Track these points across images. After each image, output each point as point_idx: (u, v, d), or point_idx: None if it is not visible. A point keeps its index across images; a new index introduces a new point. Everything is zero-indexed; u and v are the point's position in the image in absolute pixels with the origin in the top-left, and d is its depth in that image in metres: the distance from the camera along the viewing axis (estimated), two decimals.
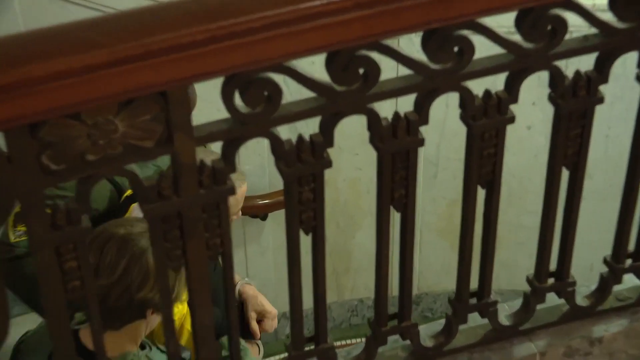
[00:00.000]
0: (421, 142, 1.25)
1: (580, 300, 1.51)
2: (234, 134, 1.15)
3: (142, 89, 1.03)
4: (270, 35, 1.05)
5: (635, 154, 1.43)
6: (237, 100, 1.12)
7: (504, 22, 1.25)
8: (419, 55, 1.19)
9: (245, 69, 1.08)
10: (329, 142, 1.21)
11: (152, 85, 1.03)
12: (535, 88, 2.89)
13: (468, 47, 1.17)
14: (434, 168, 3.71)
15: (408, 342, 1.44)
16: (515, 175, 3.75)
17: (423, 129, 1.25)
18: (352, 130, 3.59)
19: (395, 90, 1.21)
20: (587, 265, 3.69)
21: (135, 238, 1.88)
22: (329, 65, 1.14)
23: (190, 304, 1.27)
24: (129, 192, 2.55)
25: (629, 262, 1.49)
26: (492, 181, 1.35)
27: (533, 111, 3.51)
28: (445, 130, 3.54)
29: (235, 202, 2.38)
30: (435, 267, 3.92)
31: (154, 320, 1.97)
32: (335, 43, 1.10)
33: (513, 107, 1.29)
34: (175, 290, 1.88)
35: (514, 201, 3.82)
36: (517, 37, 1.22)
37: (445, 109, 3.36)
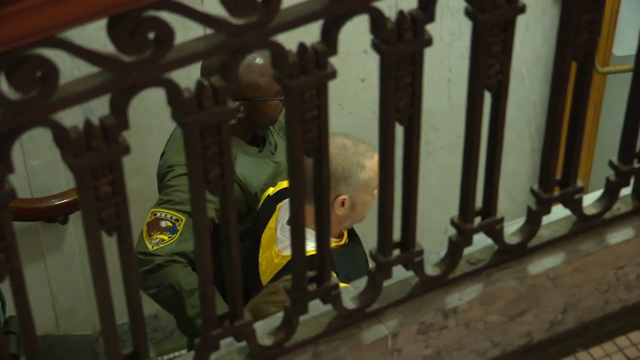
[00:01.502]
0: (232, 113, 1.28)
1: (430, 270, 1.57)
2: (4, 126, 1.13)
3: None
4: (35, 4, 1.03)
5: (472, 96, 1.50)
6: (5, 85, 1.11)
7: None
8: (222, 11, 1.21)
9: (10, 46, 1.06)
10: (123, 124, 1.21)
11: None
12: (366, 34, 2.95)
13: None
14: None
15: (244, 343, 1.47)
16: None
17: None
18: (163, 106, 3.55)
19: (197, 54, 1.23)
20: (442, 228, 3.85)
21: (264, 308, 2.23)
22: (113, 32, 1.14)
23: None
24: (270, 190, 2.81)
25: (478, 220, 1.58)
26: (319, 148, 1.39)
27: (366, 61, 3.60)
28: None
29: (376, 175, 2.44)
30: None
31: None
32: (114, 5, 1.10)
33: (343, 59, 1.33)
34: None
35: None
36: None
37: None
